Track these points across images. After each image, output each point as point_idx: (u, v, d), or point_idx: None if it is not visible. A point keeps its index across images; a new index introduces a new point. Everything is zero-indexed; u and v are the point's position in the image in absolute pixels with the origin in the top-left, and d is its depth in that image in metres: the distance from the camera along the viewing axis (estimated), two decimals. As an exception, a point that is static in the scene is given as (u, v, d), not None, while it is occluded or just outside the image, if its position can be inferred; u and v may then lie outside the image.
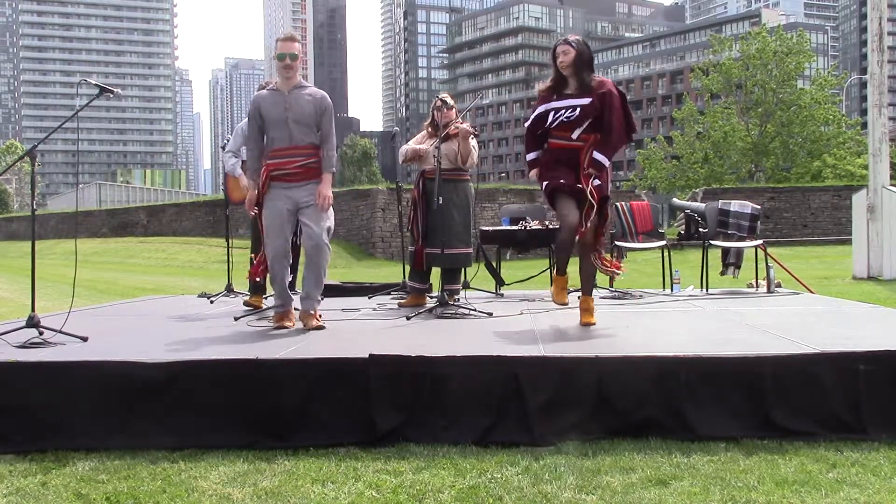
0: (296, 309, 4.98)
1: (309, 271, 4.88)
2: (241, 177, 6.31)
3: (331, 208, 4.93)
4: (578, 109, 4.67)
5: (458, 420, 3.38)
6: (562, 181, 4.69)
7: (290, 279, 5.17)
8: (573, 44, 4.75)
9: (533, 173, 4.97)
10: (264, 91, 5.04)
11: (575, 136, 4.69)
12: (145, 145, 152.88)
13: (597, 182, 4.70)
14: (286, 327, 4.82)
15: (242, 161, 6.31)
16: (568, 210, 4.67)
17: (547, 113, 4.77)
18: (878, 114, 11.54)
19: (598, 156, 4.68)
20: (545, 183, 4.80)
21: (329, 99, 5.00)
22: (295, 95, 4.85)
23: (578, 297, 4.97)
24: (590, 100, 4.67)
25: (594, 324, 4.77)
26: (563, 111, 4.70)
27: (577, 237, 4.69)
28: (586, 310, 4.86)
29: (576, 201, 4.69)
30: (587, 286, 4.93)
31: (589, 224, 4.69)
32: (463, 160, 6.00)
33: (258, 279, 5.69)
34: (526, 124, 4.95)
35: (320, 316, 4.96)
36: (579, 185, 4.67)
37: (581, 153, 4.71)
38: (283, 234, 4.83)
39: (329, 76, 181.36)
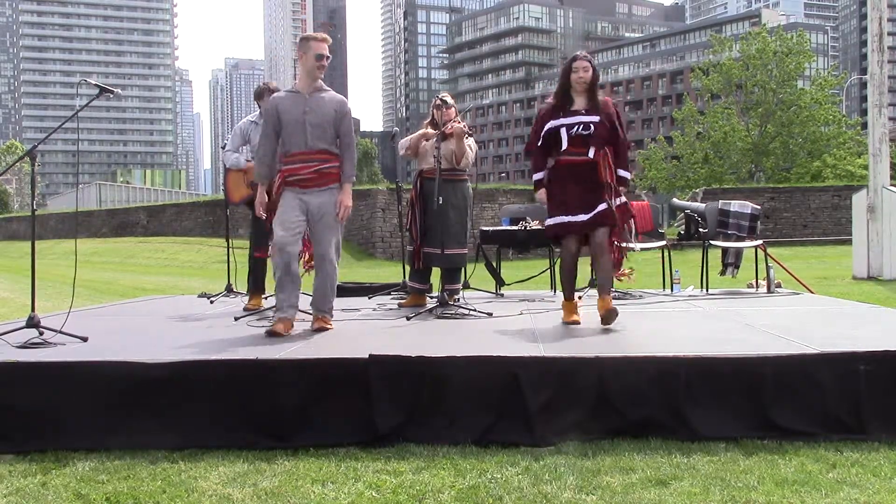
0: (308, 311, 4.95)
1: (316, 287, 4.78)
2: (247, 166, 6.06)
3: (339, 223, 4.78)
4: (593, 127, 4.71)
5: (459, 420, 3.38)
6: (571, 220, 4.74)
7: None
8: (592, 61, 4.80)
9: (541, 194, 4.95)
10: (282, 92, 4.89)
11: (591, 153, 4.71)
12: (145, 145, 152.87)
13: (621, 200, 4.81)
14: (278, 334, 4.52)
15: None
16: (570, 242, 4.78)
17: (558, 130, 4.76)
18: (878, 114, 11.54)
19: (623, 173, 4.83)
20: (554, 220, 4.80)
21: (348, 104, 4.86)
22: (315, 98, 4.72)
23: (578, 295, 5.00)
24: (598, 118, 4.74)
25: (615, 316, 4.72)
26: (577, 127, 4.72)
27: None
28: (605, 308, 4.80)
29: (580, 234, 4.77)
30: (605, 287, 4.88)
31: (612, 237, 4.79)
32: (457, 160, 5.96)
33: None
34: (539, 143, 4.84)
35: (330, 322, 4.84)
36: (588, 223, 4.72)
37: (598, 169, 4.72)
38: (293, 227, 4.63)
39: (329, 76, 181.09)
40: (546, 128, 4.80)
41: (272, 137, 4.74)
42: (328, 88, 4.84)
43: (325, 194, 4.69)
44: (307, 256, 5.22)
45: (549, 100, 4.94)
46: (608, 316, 4.66)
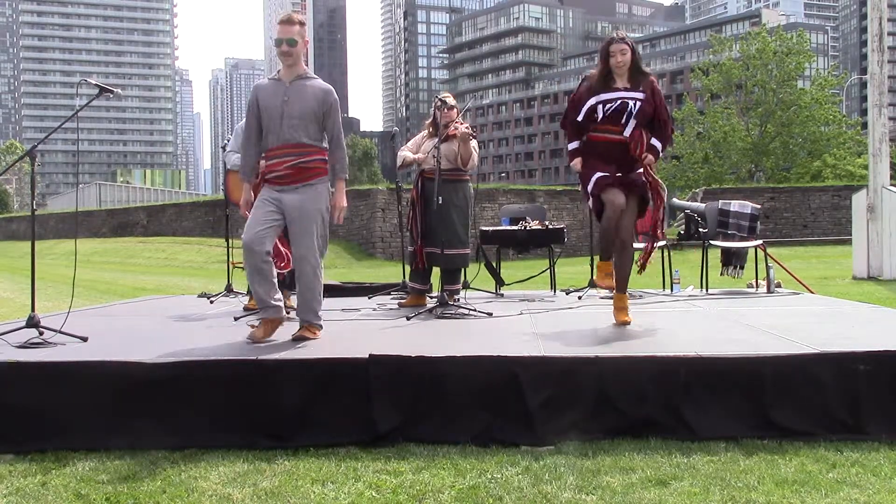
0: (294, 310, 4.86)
1: (299, 293, 4.38)
2: None
3: (323, 220, 4.36)
4: (637, 104, 4.64)
5: (458, 420, 3.38)
6: (615, 175, 4.68)
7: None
8: (630, 42, 4.73)
9: (577, 162, 4.82)
10: (265, 80, 4.51)
11: (627, 132, 4.65)
12: (145, 145, 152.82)
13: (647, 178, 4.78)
14: (257, 340, 4.19)
15: None
16: (615, 195, 4.65)
17: (596, 105, 4.69)
18: (878, 114, 11.54)
19: (654, 141, 4.73)
20: (597, 175, 4.69)
21: (335, 94, 4.40)
22: (296, 86, 4.30)
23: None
24: (644, 94, 4.68)
25: (629, 322, 4.71)
26: (614, 103, 4.65)
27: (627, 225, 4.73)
28: (621, 308, 4.77)
29: (624, 191, 4.69)
30: (621, 283, 4.80)
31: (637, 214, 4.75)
32: (464, 162, 6.01)
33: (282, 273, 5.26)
34: (578, 117, 4.74)
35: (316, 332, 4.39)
36: (631, 177, 4.68)
37: (632, 148, 4.67)
38: (261, 225, 4.22)
39: (329, 76, 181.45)
40: (589, 103, 4.68)
41: (255, 128, 4.36)
42: (314, 76, 4.43)
43: (302, 191, 4.27)
44: (286, 261, 5.12)
45: (589, 78, 4.85)
46: (619, 315, 4.74)
